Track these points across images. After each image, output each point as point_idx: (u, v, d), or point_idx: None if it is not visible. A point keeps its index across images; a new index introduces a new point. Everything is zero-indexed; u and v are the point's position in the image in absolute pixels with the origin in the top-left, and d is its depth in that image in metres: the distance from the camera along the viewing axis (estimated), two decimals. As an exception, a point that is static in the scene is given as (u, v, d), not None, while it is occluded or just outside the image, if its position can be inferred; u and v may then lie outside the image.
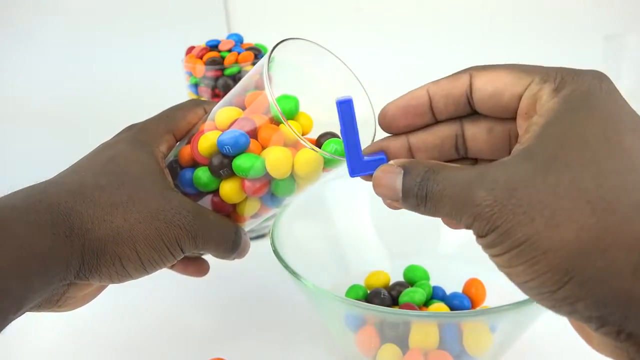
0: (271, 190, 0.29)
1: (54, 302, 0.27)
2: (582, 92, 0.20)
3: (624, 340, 0.17)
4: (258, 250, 0.36)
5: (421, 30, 0.80)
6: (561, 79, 0.20)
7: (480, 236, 0.19)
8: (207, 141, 0.29)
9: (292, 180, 0.29)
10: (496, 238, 0.18)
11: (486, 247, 0.19)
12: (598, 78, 0.20)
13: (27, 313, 0.24)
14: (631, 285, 0.16)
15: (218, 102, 0.32)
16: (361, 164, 0.25)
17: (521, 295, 0.29)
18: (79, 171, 0.27)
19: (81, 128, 0.63)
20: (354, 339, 0.32)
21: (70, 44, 0.72)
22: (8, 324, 0.22)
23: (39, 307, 0.26)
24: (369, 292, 0.39)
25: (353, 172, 0.25)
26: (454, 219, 0.20)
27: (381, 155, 0.25)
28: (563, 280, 0.17)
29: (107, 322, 0.43)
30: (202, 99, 0.52)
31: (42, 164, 0.31)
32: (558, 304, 0.18)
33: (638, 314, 0.17)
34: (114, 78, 0.74)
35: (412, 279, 0.40)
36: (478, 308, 0.38)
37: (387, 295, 0.37)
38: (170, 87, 0.59)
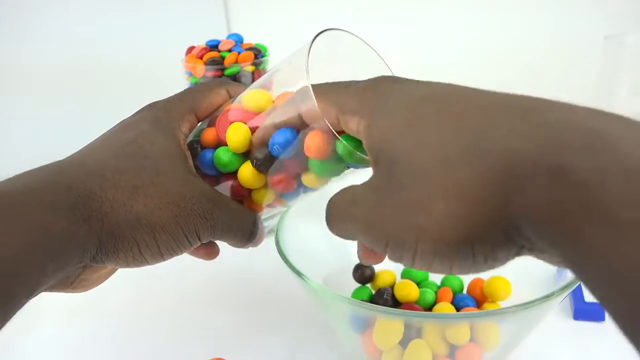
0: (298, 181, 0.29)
1: (68, 283, 0.27)
2: (371, 107, 0.23)
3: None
4: (258, 249, 0.36)
5: (420, 30, 0.80)
6: (356, 102, 0.23)
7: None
8: (242, 133, 0.28)
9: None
10: (395, 251, 0.21)
11: (395, 258, 0.22)
12: (375, 85, 0.24)
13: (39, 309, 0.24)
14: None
15: (242, 85, 0.31)
16: (585, 310, 0.39)
17: (527, 296, 0.29)
18: (98, 152, 0.27)
19: (80, 128, 0.63)
20: (360, 340, 0.32)
21: (69, 44, 0.72)
22: (21, 307, 0.22)
23: (52, 288, 0.25)
24: (373, 292, 0.39)
25: (578, 316, 0.39)
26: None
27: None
28: (465, 246, 0.19)
29: (108, 322, 0.43)
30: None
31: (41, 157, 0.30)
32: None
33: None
34: (113, 78, 0.74)
35: (412, 278, 0.40)
36: (488, 309, 0.38)
37: (390, 296, 0.37)
38: (170, 87, 0.58)
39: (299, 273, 0.31)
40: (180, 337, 0.41)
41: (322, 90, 0.25)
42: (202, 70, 0.50)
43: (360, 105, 0.23)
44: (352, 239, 0.24)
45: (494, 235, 0.18)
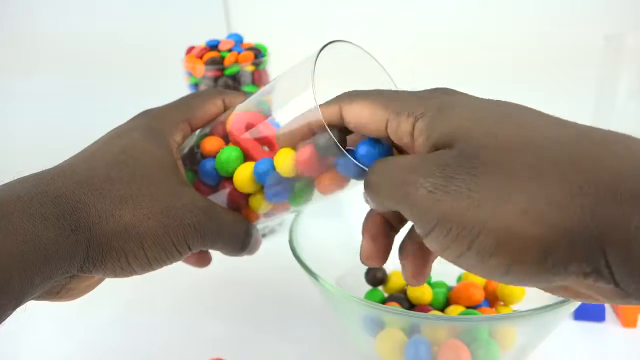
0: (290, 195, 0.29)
1: (54, 293, 0.27)
2: (437, 108, 0.22)
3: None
4: (267, 249, 0.36)
5: (420, 29, 0.80)
6: (410, 106, 0.22)
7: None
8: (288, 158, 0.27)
9: (312, 188, 0.28)
10: (443, 239, 0.19)
11: (441, 250, 0.20)
12: (442, 94, 0.23)
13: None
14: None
15: (239, 93, 0.32)
16: (585, 310, 0.39)
17: (539, 299, 0.29)
18: (89, 160, 0.27)
19: (79, 128, 0.63)
20: (373, 342, 0.32)
21: (68, 43, 0.72)
22: (7, 317, 0.22)
23: (38, 298, 0.25)
24: (386, 295, 0.39)
25: (578, 317, 0.39)
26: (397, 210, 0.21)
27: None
28: (540, 254, 0.17)
29: (106, 323, 0.43)
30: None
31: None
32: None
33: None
34: (113, 78, 0.74)
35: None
36: (502, 311, 0.38)
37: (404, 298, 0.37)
38: (170, 87, 0.59)
39: (313, 274, 0.31)
40: (187, 337, 0.41)
41: (367, 94, 0.24)
42: (202, 70, 0.50)
43: (420, 105, 0.22)
44: (390, 209, 0.22)
45: (573, 245, 0.17)
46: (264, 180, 0.28)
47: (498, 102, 0.22)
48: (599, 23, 0.72)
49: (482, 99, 0.22)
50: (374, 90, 0.24)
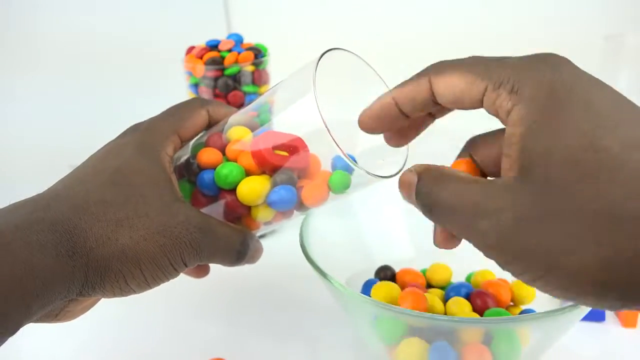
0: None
1: (52, 316, 0.27)
2: (545, 93, 0.20)
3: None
4: (275, 250, 0.36)
5: (420, 27, 0.80)
6: (516, 78, 0.20)
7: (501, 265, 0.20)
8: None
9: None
10: (517, 270, 0.19)
11: (514, 275, 0.20)
12: (554, 69, 0.20)
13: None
14: None
15: (222, 102, 0.32)
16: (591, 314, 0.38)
17: (553, 301, 0.29)
18: (84, 182, 0.27)
19: (79, 129, 0.63)
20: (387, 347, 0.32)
21: (68, 43, 0.72)
22: (3, 343, 0.22)
23: (36, 321, 0.25)
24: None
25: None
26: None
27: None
28: (602, 294, 0.18)
29: (112, 325, 0.43)
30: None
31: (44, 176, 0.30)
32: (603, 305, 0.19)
33: None
34: (113, 78, 0.74)
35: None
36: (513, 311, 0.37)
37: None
38: (170, 87, 0.59)
39: (324, 274, 0.31)
40: (190, 337, 0.41)
41: (461, 62, 0.22)
42: (202, 70, 0.50)
43: (527, 82, 0.20)
44: (452, 232, 0.22)
45: (630, 291, 0.18)
46: (285, 207, 0.29)
47: (613, 101, 0.20)
48: (599, 23, 0.72)
49: (598, 89, 0.20)
50: (468, 58, 0.23)
